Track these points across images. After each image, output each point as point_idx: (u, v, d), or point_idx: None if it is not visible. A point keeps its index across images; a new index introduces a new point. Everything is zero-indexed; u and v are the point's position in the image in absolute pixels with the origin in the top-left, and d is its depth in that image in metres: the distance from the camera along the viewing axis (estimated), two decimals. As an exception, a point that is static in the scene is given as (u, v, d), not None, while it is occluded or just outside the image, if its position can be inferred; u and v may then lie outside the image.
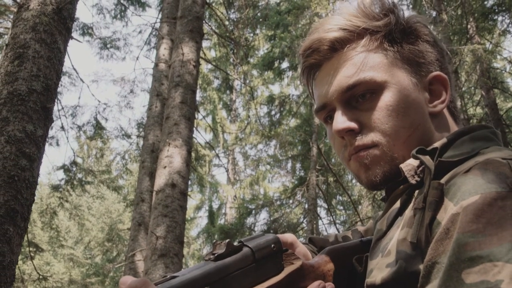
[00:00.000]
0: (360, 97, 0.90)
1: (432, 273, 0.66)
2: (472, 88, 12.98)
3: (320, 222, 15.17)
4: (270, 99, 14.99)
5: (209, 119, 20.34)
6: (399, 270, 0.72)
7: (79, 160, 12.27)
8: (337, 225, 15.09)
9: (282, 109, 15.08)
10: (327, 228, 20.61)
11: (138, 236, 7.38)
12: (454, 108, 0.97)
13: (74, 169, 11.42)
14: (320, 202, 14.91)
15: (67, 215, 16.21)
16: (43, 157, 2.58)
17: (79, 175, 11.80)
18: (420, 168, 0.83)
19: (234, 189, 17.96)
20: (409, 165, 0.84)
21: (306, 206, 13.92)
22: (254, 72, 18.02)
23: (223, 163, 19.95)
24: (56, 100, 2.57)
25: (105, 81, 26.57)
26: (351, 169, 0.93)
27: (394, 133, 0.87)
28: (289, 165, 16.94)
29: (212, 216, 19.91)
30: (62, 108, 9.82)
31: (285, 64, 14.60)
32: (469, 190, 0.68)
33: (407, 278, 0.71)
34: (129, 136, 12.71)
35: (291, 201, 14.76)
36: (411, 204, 0.80)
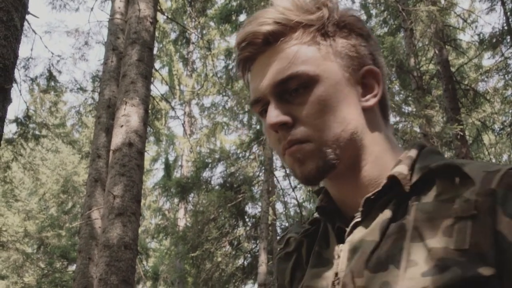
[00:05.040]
0: (293, 91, 0.89)
1: None
2: (426, 45, 13.21)
3: (277, 173, 15.43)
4: (228, 53, 14.90)
5: (165, 71, 20.10)
6: (455, 276, 0.73)
7: (32, 113, 12.02)
8: (291, 178, 15.37)
9: (239, 63, 15.01)
10: (282, 182, 20.95)
11: (95, 192, 7.39)
12: (385, 104, 0.98)
13: (28, 122, 11.22)
14: (276, 155, 15.09)
15: (20, 167, 15.97)
16: None
17: (33, 126, 11.60)
18: (409, 177, 0.86)
19: (190, 142, 17.97)
20: (401, 173, 0.86)
21: (262, 158, 14.11)
22: (211, 23, 17.79)
23: (178, 116, 19.88)
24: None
25: (59, 32, 25.80)
26: (286, 163, 0.92)
27: (327, 128, 0.87)
28: (246, 118, 17.03)
29: (168, 168, 19.94)
30: (14, 61, 9.54)
31: (242, 17, 14.47)
32: None
33: (466, 283, 0.73)
34: (84, 90, 12.48)
35: (247, 154, 14.91)
36: (414, 214, 0.82)
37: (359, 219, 0.88)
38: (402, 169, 0.86)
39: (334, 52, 0.91)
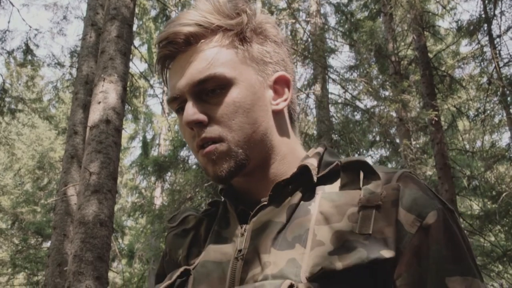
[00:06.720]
0: (210, 91, 0.93)
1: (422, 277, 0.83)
2: (405, 30, 13.30)
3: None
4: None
5: (145, 48, 19.92)
6: (361, 256, 0.80)
7: (8, 87, 11.85)
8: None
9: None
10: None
11: (71, 169, 7.36)
12: (293, 109, 1.05)
13: (3, 96, 11.07)
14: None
15: (-5, 141, 15.80)
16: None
17: (9, 100, 11.43)
18: (317, 170, 0.95)
19: (169, 120, 17.89)
20: (312, 165, 0.94)
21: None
22: (192, 2, 17.63)
23: (157, 94, 19.74)
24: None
25: (37, 5, 25.24)
26: (200, 161, 0.96)
27: (240, 129, 0.92)
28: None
29: (145, 146, 19.87)
30: (-10, 33, 9.40)
31: (224, -3, 14.36)
32: (424, 205, 0.85)
33: (370, 263, 0.80)
34: (61, 65, 12.33)
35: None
36: (319, 201, 0.90)
37: (265, 203, 0.94)
38: (312, 161, 0.96)
39: (251, 57, 0.97)
